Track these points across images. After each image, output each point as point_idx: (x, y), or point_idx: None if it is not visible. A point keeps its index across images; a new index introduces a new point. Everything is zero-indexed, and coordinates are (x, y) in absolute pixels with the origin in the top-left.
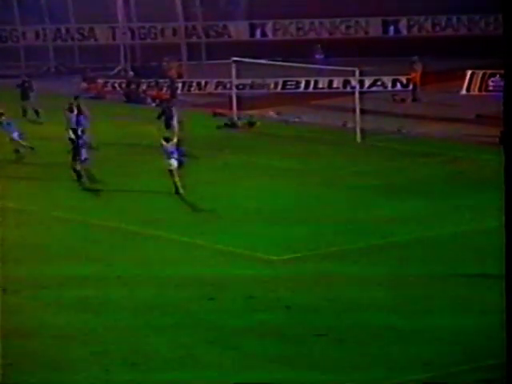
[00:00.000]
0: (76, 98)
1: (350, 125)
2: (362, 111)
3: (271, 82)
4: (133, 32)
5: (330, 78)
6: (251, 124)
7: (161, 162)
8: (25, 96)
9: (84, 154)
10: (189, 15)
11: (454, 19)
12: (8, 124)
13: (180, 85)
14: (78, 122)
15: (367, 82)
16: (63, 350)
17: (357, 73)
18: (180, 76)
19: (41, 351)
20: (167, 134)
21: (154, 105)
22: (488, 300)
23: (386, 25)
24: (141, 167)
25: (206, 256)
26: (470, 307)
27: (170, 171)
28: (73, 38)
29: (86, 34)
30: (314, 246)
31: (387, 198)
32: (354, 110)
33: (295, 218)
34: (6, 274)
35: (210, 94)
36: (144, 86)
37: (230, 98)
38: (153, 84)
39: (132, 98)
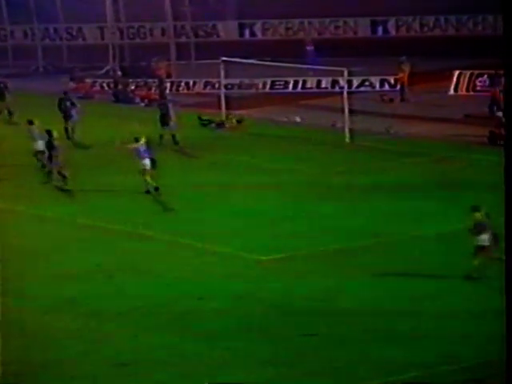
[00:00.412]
0: (65, 93)
1: (338, 125)
2: (351, 111)
3: (259, 81)
4: (121, 32)
5: (319, 78)
6: (239, 122)
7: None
8: (1, 97)
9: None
10: (178, 15)
11: (442, 19)
12: None
13: (168, 84)
14: (69, 115)
15: (355, 82)
16: (51, 349)
17: (345, 73)
18: (169, 76)
19: (32, 350)
20: (140, 135)
21: (142, 104)
22: (480, 300)
23: (374, 25)
24: (127, 166)
25: (194, 256)
26: (465, 308)
27: (144, 170)
28: (61, 38)
29: (74, 33)
30: (302, 246)
31: (375, 198)
32: (342, 110)
33: (283, 217)
34: None
35: (198, 93)
36: (132, 86)
37: (219, 97)
38: (141, 84)
39: (120, 97)
